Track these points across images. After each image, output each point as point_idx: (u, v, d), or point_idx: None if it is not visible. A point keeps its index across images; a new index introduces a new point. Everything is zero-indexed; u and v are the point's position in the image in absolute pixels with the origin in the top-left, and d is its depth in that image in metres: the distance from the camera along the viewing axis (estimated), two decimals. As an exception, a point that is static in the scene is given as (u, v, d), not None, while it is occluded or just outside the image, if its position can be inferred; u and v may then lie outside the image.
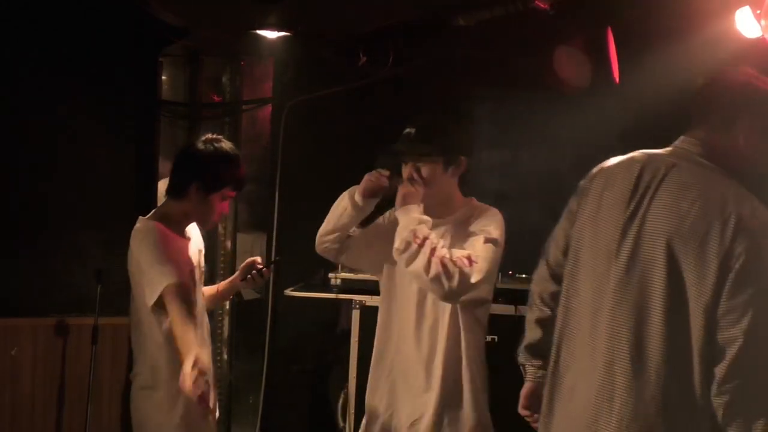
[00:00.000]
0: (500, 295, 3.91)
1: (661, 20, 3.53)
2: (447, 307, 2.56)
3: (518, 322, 3.83)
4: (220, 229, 4.74)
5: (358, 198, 2.62)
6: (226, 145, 2.81)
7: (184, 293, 2.59)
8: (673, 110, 3.78)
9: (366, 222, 2.65)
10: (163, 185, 4.43)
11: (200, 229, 2.98)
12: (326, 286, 4.07)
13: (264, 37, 4.27)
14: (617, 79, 3.74)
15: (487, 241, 2.49)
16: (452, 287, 2.37)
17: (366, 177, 2.64)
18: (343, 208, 2.64)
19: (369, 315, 3.65)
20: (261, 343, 4.45)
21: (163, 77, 4.65)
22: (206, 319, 2.92)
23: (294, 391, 4.54)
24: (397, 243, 2.44)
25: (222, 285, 3.14)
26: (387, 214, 2.72)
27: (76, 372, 3.93)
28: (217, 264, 4.76)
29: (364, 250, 2.70)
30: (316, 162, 4.43)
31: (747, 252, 1.73)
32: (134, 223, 2.78)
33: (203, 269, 2.99)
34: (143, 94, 4.44)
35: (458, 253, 2.43)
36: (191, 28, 4.28)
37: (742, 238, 1.74)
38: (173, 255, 2.65)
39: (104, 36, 4.12)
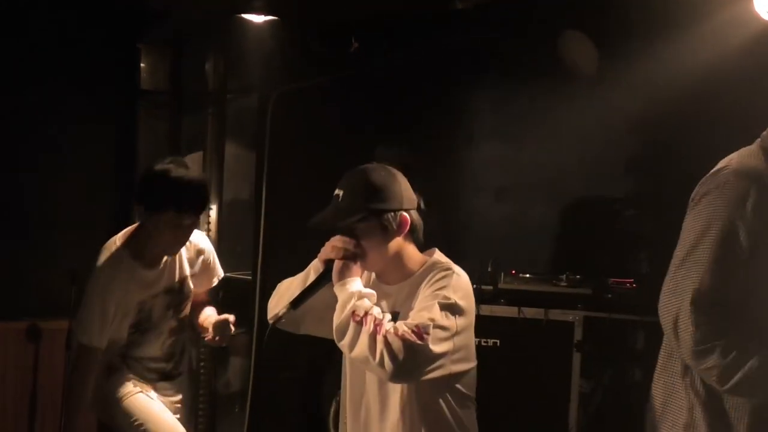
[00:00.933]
0: (502, 296, 3.83)
1: (676, 3, 3.38)
2: (414, 393, 2.16)
3: (521, 325, 3.69)
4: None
5: (319, 266, 2.27)
6: (175, 166, 2.69)
7: (92, 359, 2.78)
8: (687, 98, 3.64)
9: (297, 302, 2.22)
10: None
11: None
12: (318, 287, 3.90)
13: (250, 22, 4.13)
14: None
15: (444, 307, 2.09)
16: (399, 367, 1.99)
17: (328, 244, 2.24)
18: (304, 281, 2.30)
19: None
20: (247, 348, 4.27)
21: (142, 65, 4.47)
22: (166, 339, 2.94)
23: (283, 400, 4.37)
24: (334, 329, 2.10)
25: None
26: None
27: (50, 378, 3.81)
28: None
29: (324, 314, 2.26)
30: (305, 154, 4.27)
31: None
32: (111, 222, 2.70)
33: (188, 290, 2.98)
34: (121, 84, 4.30)
35: (405, 327, 2.04)
36: (172, 11, 4.14)
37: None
38: (113, 300, 2.73)
39: (79, 20, 3.98)
